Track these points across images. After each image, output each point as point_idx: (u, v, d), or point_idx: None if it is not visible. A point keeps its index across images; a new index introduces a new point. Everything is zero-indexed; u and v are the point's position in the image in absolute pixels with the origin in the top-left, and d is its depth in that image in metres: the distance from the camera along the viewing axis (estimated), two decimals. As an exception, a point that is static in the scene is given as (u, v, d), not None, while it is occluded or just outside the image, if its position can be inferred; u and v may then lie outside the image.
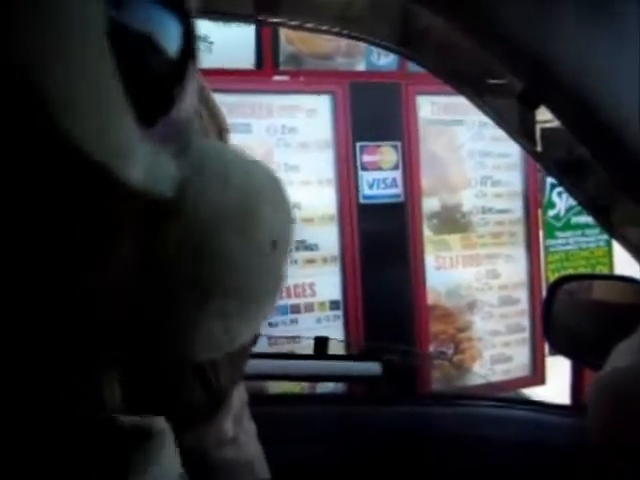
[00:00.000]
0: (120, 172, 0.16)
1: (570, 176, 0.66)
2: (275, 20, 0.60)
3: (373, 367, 0.80)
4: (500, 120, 0.67)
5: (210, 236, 0.20)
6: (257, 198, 0.22)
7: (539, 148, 0.64)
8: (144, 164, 0.17)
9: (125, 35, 0.16)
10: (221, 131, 0.55)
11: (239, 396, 0.51)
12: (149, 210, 0.18)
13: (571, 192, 0.71)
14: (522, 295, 2.40)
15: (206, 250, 0.20)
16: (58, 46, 0.14)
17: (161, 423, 0.25)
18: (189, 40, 0.19)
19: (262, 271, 0.22)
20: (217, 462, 0.44)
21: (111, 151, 0.16)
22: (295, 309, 2.06)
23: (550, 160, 0.68)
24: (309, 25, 0.59)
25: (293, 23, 0.60)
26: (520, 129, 0.66)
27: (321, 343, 0.83)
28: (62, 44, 0.14)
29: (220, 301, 0.20)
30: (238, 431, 0.50)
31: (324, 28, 0.59)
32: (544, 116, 0.57)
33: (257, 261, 0.21)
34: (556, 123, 0.53)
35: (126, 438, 0.23)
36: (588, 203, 0.67)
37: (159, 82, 0.18)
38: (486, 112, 0.67)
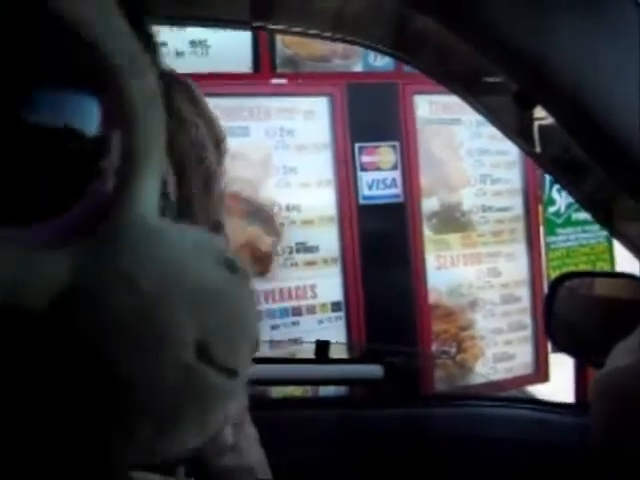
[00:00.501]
0: None
1: (567, 174, 0.66)
2: (271, 26, 0.60)
3: (375, 370, 0.80)
4: (496, 119, 0.67)
5: (102, 353, 0.17)
6: (172, 305, 0.19)
7: (536, 147, 0.64)
8: (4, 273, 0.15)
9: (28, 132, 0.15)
10: (218, 142, 0.55)
11: (238, 403, 0.51)
12: (16, 321, 0.16)
13: (569, 189, 0.71)
14: (524, 293, 2.39)
15: (95, 369, 0.17)
16: None
17: None
18: (108, 113, 0.17)
19: (184, 385, 0.19)
20: (218, 470, 0.44)
21: None
22: (296, 311, 2.06)
23: (547, 158, 0.68)
24: (305, 30, 0.59)
25: (288, 29, 0.60)
26: (516, 128, 0.66)
27: (322, 347, 0.83)
28: None
29: (126, 426, 0.18)
30: (238, 437, 0.50)
31: (320, 33, 0.59)
32: (540, 113, 0.57)
33: (171, 376, 0.18)
34: (552, 120, 0.53)
35: None
36: (586, 200, 0.67)
37: (62, 175, 0.16)
38: (481, 112, 0.67)
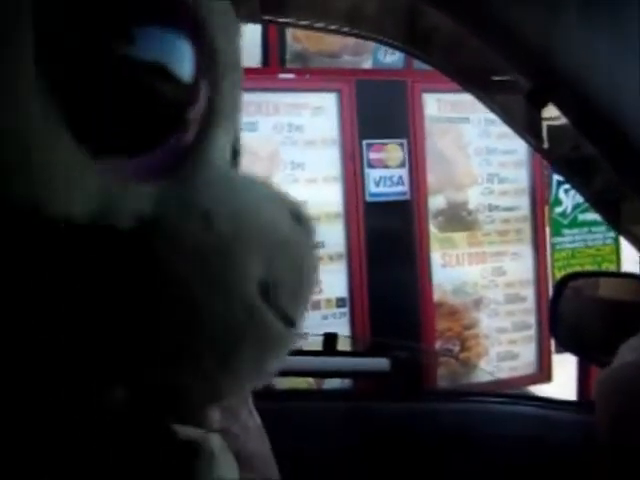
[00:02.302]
0: (54, 211, 0.16)
1: (578, 173, 0.66)
2: (281, 20, 0.60)
3: (381, 363, 0.81)
4: (507, 117, 0.67)
5: (177, 281, 0.18)
6: (244, 245, 0.19)
7: (546, 145, 0.64)
8: (93, 199, 0.17)
9: (127, 68, 0.16)
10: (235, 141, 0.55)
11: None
12: (101, 241, 0.17)
13: (579, 189, 0.71)
14: (528, 292, 2.39)
15: (172, 296, 0.18)
16: None
17: (215, 441, 0.24)
18: (200, 63, 0.18)
19: (246, 322, 0.19)
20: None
21: (42, 193, 0.15)
22: (301, 306, 2.06)
23: (558, 157, 0.68)
24: (316, 24, 0.59)
25: (299, 23, 0.60)
26: (528, 126, 0.66)
27: (330, 339, 0.84)
28: None
29: (194, 357, 0.19)
30: (229, 424, 0.50)
31: (331, 27, 0.59)
32: (551, 113, 0.57)
33: (236, 312, 0.19)
34: (563, 120, 0.53)
35: (178, 452, 0.22)
36: (596, 200, 0.67)
37: (150, 114, 0.17)
38: (493, 109, 0.67)
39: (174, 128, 0.18)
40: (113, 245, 0.17)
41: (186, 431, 0.23)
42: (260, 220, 0.20)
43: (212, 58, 0.19)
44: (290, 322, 0.21)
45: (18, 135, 0.15)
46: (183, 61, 0.18)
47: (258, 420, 0.55)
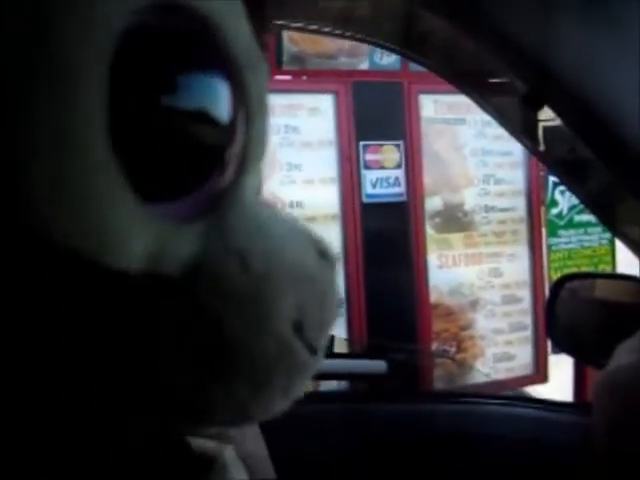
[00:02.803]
0: (106, 261, 0.16)
1: (573, 175, 0.66)
2: (278, 22, 0.60)
3: (378, 365, 0.81)
4: (503, 119, 0.67)
5: (215, 321, 0.19)
6: (278, 283, 0.20)
7: (542, 147, 0.64)
8: (148, 246, 0.17)
9: (150, 120, 0.16)
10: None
11: None
12: (149, 286, 0.18)
13: (574, 191, 0.71)
14: (525, 293, 2.40)
15: (210, 335, 0.19)
16: (50, 141, 0.14)
17: (229, 453, 0.25)
18: (235, 104, 0.19)
19: (279, 357, 0.21)
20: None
21: (97, 244, 0.16)
22: (298, 308, 2.06)
23: (553, 159, 0.68)
24: (312, 27, 0.59)
25: (296, 25, 0.61)
26: (523, 128, 0.66)
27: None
28: (55, 137, 0.14)
29: (225, 385, 0.20)
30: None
31: (327, 30, 0.60)
32: (547, 114, 0.57)
33: (270, 346, 0.20)
34: (559, 122, 0.53)
35: (192, 464, 0.23)
36: (591, 201, 0.67)
37: (192, 159, 0.18)
38: (489, 111, 0.68)
39: (214, 170, 0.19)
40: (164, 293, 0.18)
41: (200, 443, 0.23)
42: (290, 258, 0.21)
43: (245, 99, 0.20)
44: (315, 351, 0.22)
45: (82, 183, 0.15)
46: (221, 103, 0.18)
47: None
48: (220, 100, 0.18)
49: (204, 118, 0.18)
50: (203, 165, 0.18)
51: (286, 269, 0.21)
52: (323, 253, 0.23)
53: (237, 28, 0.19)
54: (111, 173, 0.16)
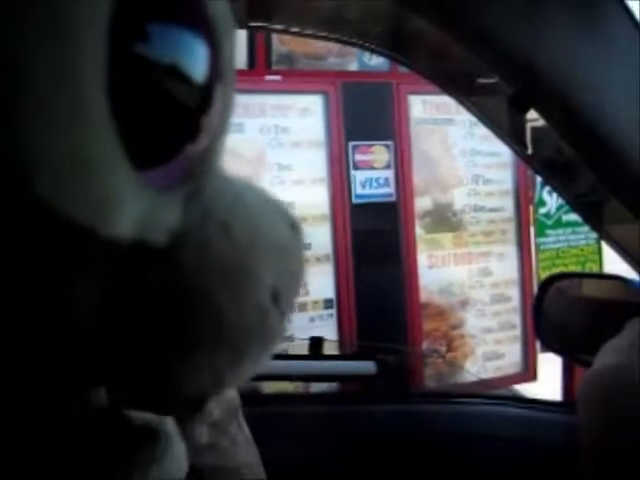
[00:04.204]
0: (99, 228, 0.16)
1: (559, 175, 0.67)
2: (267, 26, 0.60)
3: (368, 366, 0.81)
4: (488, 120, 0.68)
5: (202, 290, 0.19)
6: (257, 251, 0.20)
7: (529, 149, 0.65)
8: (134, 216, 0.17)
9: (144, 70, 0.15)
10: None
11: (221, 404, 0.51)
12: (137, 256, 0.18)
13: (559, 191, 0.72)
14: (514, 292, 2.42)
15: (196, 303, 0.19)
16: (43, 109, 0.14)
17: (169, 424, 0.25)
18: (215, 66, 0.18)
19: (258, 325, 0.21)
20: (194, 468, 0.44)
21: (90, 212, 0.15)
22: (289, 308, 2.06)
23: (538, 159, 0.68)
24: (301, 30, 0.59)
25: (285, 29, 0.61)
26: (509, 129, 0.66)
27: (316, 343, 0.84)
28: (48, 105, 0.14)
29: (209, 354, 0.20)
30: (218, 438, 0.50)
31: (315, 33, 0.59)
32: (533, 115, 0.57)
33: (253, 316, 0.20)
34: (544, 122, 0.54)
35: (135, 436, 0.23)
36: (576, 201, 0.68)
37: (172, 121, 0.17)
38: (474, 113, 0.68)
39: (192, 134, 0.18)
40: (151, 262, 0.18)
41: (141, 416, 0.23)
42: (267, 228, 0.21)
43: (221, 62, 0.19)
44: (285, 319, 0.23)
45: (83, 150, 0.15)
46: (200, 62, 0.17)
47: (247, 432, 0.55)
48: (198, 59, 0.17)
49: (181, 75, 0.17)
50: (182, 128, 0.18)
51: (265, 239, 0.21)
52: (293, 224, 0.23)
53: None
54: (111, 138, 0.15)
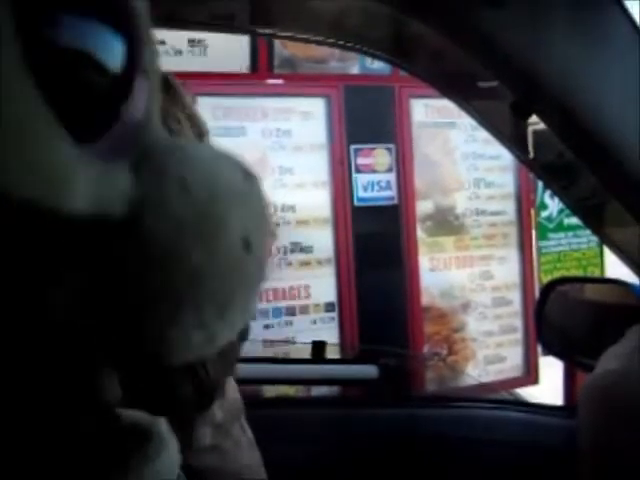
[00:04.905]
0: (57, 204, 0.16)
1: (560, 179, 0.67)
2: (270, 31, 0.61)
3: (370, 370, 0.81)
4: (489, 124, 0.68)
5: (172, 249, 0.19)
6: (219, 201, 0.21)
7: (531, 154, 0.65)
8: (89, 187, 0.17)
9: (56, 54, 0.16)
10: (201, 134, 0.55)
11: (224, 407, 0.51)
12: (100, 230, 0.18)
13: (560, 195, 0.72)
14: (515, 296, 2.41)
15: (169, 263, 0.19)
16: None
17: (162, 424, 0.25)
18: (134, 52, 0.19)
19: (236, 273, 0.21)
20: (196, 470, 0.44)
21: (43, 186, 0.15)
22: (290, 311, 2.06)
23: (539, 163, 0.69)
24: (301, 36, 0.60)
25: (286, 34, 0.61)
26: (510, 133, 0.67)
27: (319, 347, 0.84)
28: None
29: (194, 310, 0.20)
30: (221, 440, 0.50)
31: (316, 38, 0.60)
32: (534, 119, 0.58)
33: (229, 265, 0.21)
34: (545, 126, 0.54)
35: (127, 436, 0.23)
36: (577, 205, 0.68)
37: (97, 98, 0.17)
38: (475, 116, 0.68)
39: (116, 115, 0.18)
40: (115, 233, 0.18)
41: (132, 415, 0.24)
42: (226, 179, 0.22)
43: (141, 55, 0.19)
44: (262, 265, 0.23)
45: (15, 127, 0.15)
46: (113, 51, 0.18)
47: (250, 434, 0.55)
48: (113, 50, 0.18)
49: (95, 63, 0.17)
50: (106, 108, 0.18)
51: (225, 190, 0.21)
52: (247, 173, 0.24)
53: None
54: (43, 112, 0.15)
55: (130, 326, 0.20)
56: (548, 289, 0.76)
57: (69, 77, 0.17)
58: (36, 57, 0.15)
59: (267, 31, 0.60)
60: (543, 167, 0.69)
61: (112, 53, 0.18)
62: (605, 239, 0.67)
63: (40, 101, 0.15)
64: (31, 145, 0.15)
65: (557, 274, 2.36)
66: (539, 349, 2.29)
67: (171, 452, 0.25)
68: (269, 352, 1.73)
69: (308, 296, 2.08)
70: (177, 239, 0.19)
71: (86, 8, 0.17)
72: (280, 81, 2.13)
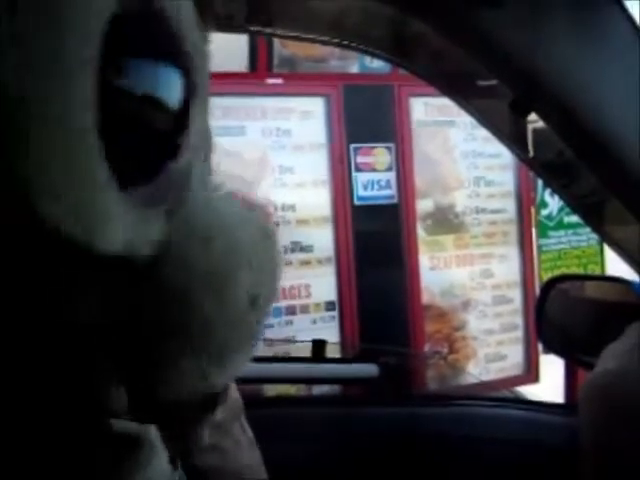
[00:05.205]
0: (92, 242, 0.17)
1: (560, 177, 0.67)
2: (268, 30, 0.61)
3: (370, 369, 0.81)
4: (489, 122, 0.68)
5: (186, 299, 0.21)
6: (237, 259, 0.22)
7: (530, 152, 0.65)
8: (124, 233, 0.18)
9: (122, 101, 0.17)
10: (207, 155, 0.55)
11: (224, 406, 0.51)
12: (123, 268, 0.19)
13: (560, 193, 0.72)
14: (516, 294, 2.41)
15: (182, 312, 0.21)
16: (40, 138, 0.15)
17: (152, 432, 0.26)
18: (188, 89, 0.20)
19: (239, 328, 0.23)
20: (194, 469, 0.44)
21: (85, 228, 0.17)
22: (290, 310, 2.06)
23: (539, 161, 0.69)
24: (301, 35, 0.60)
25: (285, 33, 0.61)
26: (509, 131, 0.67)
27: (319, 346, 0.84)
28: (45, 134, 0.15)
29: (196, 356, 0.21)
30: (220, 439, 0.50)
31: (315, 37, 0.60)
32: (534, 117, 0.57)
33: (234, 320, 0.22)
34: (544, 125, 0.54)
35: (118, 443, 0.24)
36: (577, 203, 0.68)
37: (157, 137, 0.19)
38: (475, 115, 0.68)
39: (171, 154, 0.20)
40: (139, 275, 0.20)
41: (122, 424, 0.24)
42: (245, 237, 0.23)
43: (195, 85, 0.20)
44: (261, 322, 0.25)
45: (74, 167, 0.16)
46: (173, 89, 0.19)
47: (250, 434, 0.55)
48: (173, 87, 0.19)
49: (156, 102, 0.18)
50: (162, 149, 0.19)
51: (242, 247, 0.23)
52: (267, 233, 0.25)
53: (187, 12, 0.20)
54: (100, 158, 0.16)
55: (134, 359, 0.21)
56: (548, 287, 0.76)
57: (131, 122, 0.18)
58: (103, 106, 0.17)
59: (267, 30, 0.60)
60: (543, 165, 0.69)
61: (172, 89, 0.19)
62: (605, 237, 0.67)
63: (100, 156, 0.17)
64: (83, 188, 0.16)
65: (557, 272, 2.36)
66: (540, 347, 2.30)
67: (162, 459, 0.26)
68: (269, 351, 1.73)
69: (308, 295, 2.08)
70: (191, 290, 0.21)
71: (150, 50, 0.18)
72: (279, 80, 2.12)
